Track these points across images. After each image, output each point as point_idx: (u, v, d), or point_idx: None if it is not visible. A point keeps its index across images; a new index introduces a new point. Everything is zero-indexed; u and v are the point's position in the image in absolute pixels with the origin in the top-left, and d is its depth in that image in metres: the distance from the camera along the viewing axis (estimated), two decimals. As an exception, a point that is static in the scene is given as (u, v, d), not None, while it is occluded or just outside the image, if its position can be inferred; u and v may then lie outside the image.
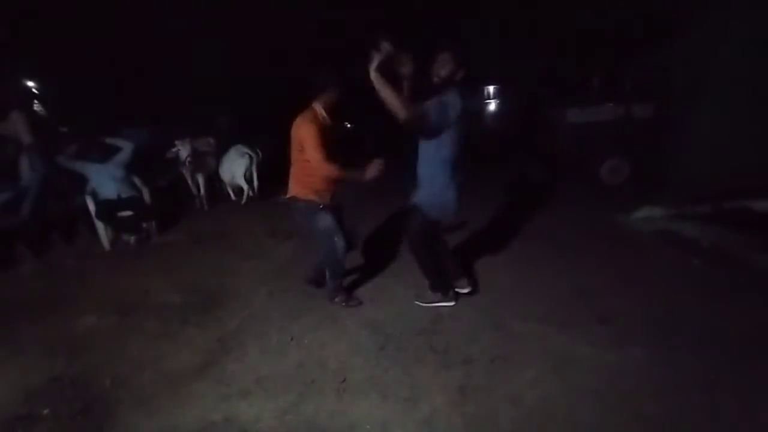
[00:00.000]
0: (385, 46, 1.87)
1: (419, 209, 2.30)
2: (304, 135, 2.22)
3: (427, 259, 2.46)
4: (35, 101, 6.27)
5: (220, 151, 5.31)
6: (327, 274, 2.59)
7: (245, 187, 5.24)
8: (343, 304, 2.64)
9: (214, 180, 5.34)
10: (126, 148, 4.12)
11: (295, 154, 2.35)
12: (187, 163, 4.80)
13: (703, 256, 3.01)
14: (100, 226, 3.90)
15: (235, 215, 4.87)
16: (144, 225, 4.11)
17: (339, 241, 2.42)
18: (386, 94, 1.91)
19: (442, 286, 2.54)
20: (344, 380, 1.99)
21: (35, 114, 5.76)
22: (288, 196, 2.47)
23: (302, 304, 2.72)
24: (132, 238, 4.00)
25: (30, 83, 6.67)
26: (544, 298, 2.60)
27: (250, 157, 5.16)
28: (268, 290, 2.95)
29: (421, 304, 2.57)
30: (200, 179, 5.06)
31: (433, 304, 2.54)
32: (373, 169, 2.19)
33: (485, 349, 2.14)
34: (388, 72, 1.97)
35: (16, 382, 2.09)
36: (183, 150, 4.75)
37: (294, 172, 2.42)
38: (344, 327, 2.45)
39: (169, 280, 3.18)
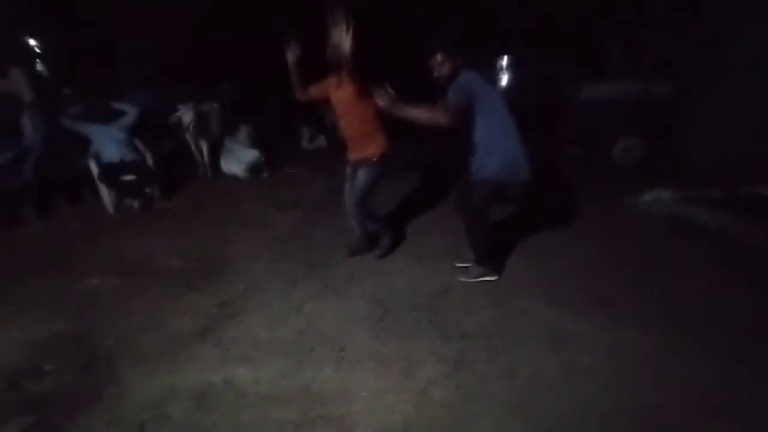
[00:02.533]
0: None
1: (487, 181, 2.27)
2: None
3: (484, 231, 2.46)
4: (37, 60, 6.14)
5: (225, 118, 5.21)
6: None
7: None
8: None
9: (218, 147, 5.27)
10: (131, 112, 4.05)
11: None
12: (190, 128, 4.73)
13: (710, 241, 2.95)
14: (103, 189, 3.89)
15: (239, 183, 4.84)
16: (147, 190, 4.10)
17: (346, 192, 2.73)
18: (411, 114, 2.10)
19: (490, 259, 2.55)
20: (342, 349, 2.01)
21: (37, 73, 5.66)
22: None
23: (303, 273, 2.72)
24: (135, 203, 4.00)
25: (32, 41, 6.50)
26: (546, 277, 2.58)
27: (259, 156, 5.01)
28: (270, 258, 2.96)
29: (467, 280, 2.54)
30: (204, 145, 4.99)
31: (479, 279, 2.53)
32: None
33: (483, 325, 2.14)
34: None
35: (20, 338, 2.14)
36: (186, 115, 4.67)
37: None
38: (344, 297, 2.46)
39: (172, 246, 3.19)
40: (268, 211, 3.91)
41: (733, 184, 3.53)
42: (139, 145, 4.14)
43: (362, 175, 2.58)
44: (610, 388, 1.71)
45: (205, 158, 5.05)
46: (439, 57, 2.18)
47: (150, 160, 4.13)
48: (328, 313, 2.32)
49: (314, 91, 2.55)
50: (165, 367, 1.94)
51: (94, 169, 3.83)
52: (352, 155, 2.63)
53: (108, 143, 3.91)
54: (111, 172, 3.85)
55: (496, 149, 2.23)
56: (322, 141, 6.68)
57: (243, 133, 5.33)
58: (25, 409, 1.71)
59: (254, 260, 2.95)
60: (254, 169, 5.00)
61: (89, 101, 4.19)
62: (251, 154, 5.01)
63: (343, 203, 2.78)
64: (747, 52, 3.52)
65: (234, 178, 4.97)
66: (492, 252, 2.56)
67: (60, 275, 2.79)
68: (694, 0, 4.10)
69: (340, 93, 2.48)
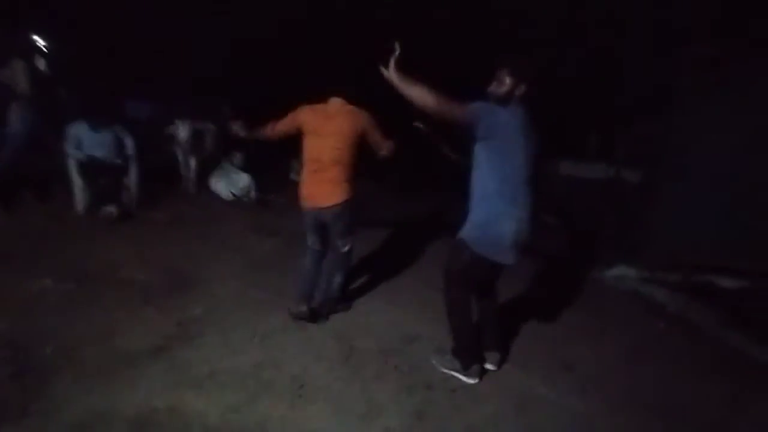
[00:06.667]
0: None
1: (464, 243, 1.92)
2: None
3: (459, 311, 2.03)
4: (41, 57, 6.15)
5: (219, 139, 5.27)
6: None
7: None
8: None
9: (207, 165, 5.26)
10: (130, 144, 3.97)
11: None
12: (183, 143, 4.74)
13: (667, 321, 3.09)
14: (78, 186, 3.74)
15: (222, 204, 4.78)
16: (123, 197, 3.98)
17: (308, 241, 2.50)
18: (410, 90, 1.64)
19: (465, 355, 2.06)
20: (302, 386, 1.91)
21: (37, 69, 5.63)
22: None
23: (272, 303, 2.63)
24: (114, 209, 3.84)
25: (39, 40, 6.56)
26: (513, 339, 2.57)
27: (251, 181, 5.03)
28: (240, 284, 2.86)
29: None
30: (193, 162, 4.98)
31: (450, 372, 2.09)
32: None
33: (449, 378, 2.10)
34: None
35: (-49, 334, 1.95)
36: (182, 130, 4.71)
37: None
38: (311, 333, 2.38)
39: (139, 257, 3.06)
40: (246, 235, 3.84)
41: (691, 271, 3.76)
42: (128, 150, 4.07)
43: (344, 218, 2.38)
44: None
45: (192, 174, 5.01)
46: (506, 77, 1.79)
47: (134, 168, 4.05)
48: (292, 347, 2.23)
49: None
50: (105, 385, 1.78)
51: (73, 155, 3.66)
52: (328, 200, 2.31)
53: (95, 143, 3.81)
54: (91, 167, 3.71)
55: (481, 208, 1.89)
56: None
57: (238, 157, 5.38)
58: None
59: (223, 283, 2.84)
60: (243, 193, 5.00)
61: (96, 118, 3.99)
62: (243, 179, 5.03)
63: (306, 266, 2.48)
64: (712, 151, 3.91)
65: (217, 198, 4.92)
66: (471, 349, 2.07)
67: (11, 272, 2.61)
68: (660, 102, 4.59)
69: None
